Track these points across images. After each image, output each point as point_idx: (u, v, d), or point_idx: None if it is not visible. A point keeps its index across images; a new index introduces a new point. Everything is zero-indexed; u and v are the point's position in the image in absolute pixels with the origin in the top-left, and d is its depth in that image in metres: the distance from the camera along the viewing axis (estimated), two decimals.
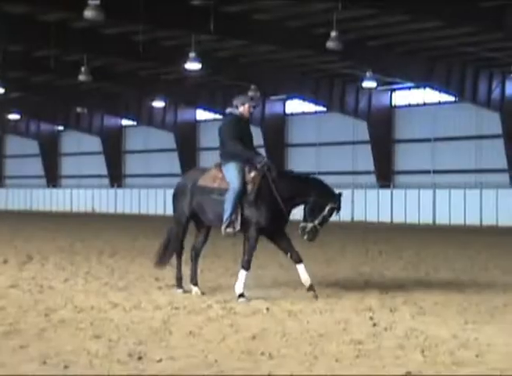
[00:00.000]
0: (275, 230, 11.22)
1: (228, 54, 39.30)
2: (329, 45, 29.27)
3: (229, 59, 40.05)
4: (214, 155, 51.20)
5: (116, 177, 59.80)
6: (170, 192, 49.40)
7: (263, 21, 32.16)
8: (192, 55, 33.25)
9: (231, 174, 11.11)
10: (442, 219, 40.15)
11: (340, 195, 11.19)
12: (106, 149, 60.16)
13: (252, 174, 11.07)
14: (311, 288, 11.06)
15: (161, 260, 12.06)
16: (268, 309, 9.94)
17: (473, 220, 39.07)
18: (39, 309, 9.82)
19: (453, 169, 43.56)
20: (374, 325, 8.83)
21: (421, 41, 35.24)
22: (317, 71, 43.46)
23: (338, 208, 11.11)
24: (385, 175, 45.47)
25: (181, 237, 11.83)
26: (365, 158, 46.60)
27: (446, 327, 8.79)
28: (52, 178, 65.15)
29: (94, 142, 61.39)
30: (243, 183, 11.01)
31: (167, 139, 56.48)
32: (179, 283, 11.71)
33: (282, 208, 10.97)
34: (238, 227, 11.05)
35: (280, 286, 12.39)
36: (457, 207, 39.90)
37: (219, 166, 11.38)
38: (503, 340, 8.04)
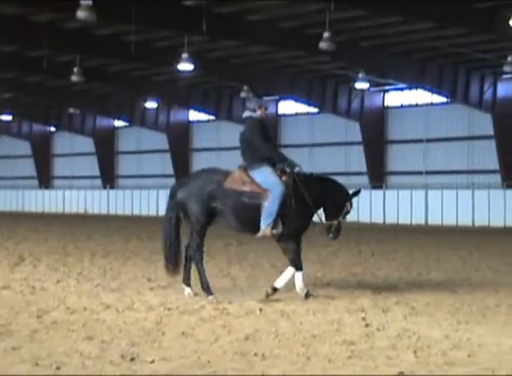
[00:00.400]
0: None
1: (221, 55, 39.30)
2: (322, 45, 29.29)
3: (222, 60, 40.05)
4: (206, 156, 50.89)
5: (108, 178, 59.73)
6: (162, 193, 49.58)
7: (256, 22, 32.18)
8: (184, 55, 33.24)
9: (270, 177, 11.17)
10: (434, 220, 40.22)
11: (356, 192, 11.61)
12: (98, 150, 60.09)
13: (284, 178, 11.25)
14: (308, 295, 11.15)
15: (176, 264, 11.66)
16: (261, 309, 9.94)
17: (465, 221, 39.15)
18: (31, 310, 9.80)
19: (445, 170, 43.64)
20: (367, 325, 8.85)
21: (413, 42, 35.30)
22: (310, 72, 43.49)
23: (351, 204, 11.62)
24: (378, 175, 45.54)
25: (201, 240, 11.54)
26: (357, 159, 46.67)
27: (438, 327, 8.81)
28: (45, 179, 65.05)
29: (86, 143, 61.31)
30: (287, 187, 11.17)
31: (160, 140, 56.46)
32: (209, 289, 11.31)
33: (312, 210, 11.27)
34: (280, 228, 11.17)
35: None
36: (449, 207, 39.98)
37: (244, 169, 11.35)
38: (495, 340, 8.06)
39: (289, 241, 11.23)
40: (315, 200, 11.22)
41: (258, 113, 11.49)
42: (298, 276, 11.09)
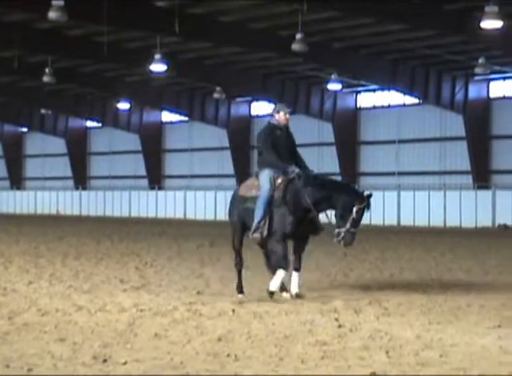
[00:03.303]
0: (303, 235, 11.43)
1: (194, 56, 39.25)
2: (295, 47, 29.35)
3: (195, 61, 39.99)
4: (179, 157, 50.62)
5: (80, 179, 59.45)
6: (135, 194, 49.37)
7: (228, 23, 32.16)
8: (157, 56, 33.15)
9: (263, 180, 11.33)
10: (407, 221, 40.40)
11: (369, 196, 11.29)
12: (70, 151, 59.78)
13: (279, 180, 11.32)
14: (298, 296, 11.17)
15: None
16: (233, 310, 9.95)
17: (437, 221, 39.35)
18: (3, 312, 9.74)
19: (417, 171, 43.85)
20: (339, 326, 8.87)
21: (385, 43, 35.44)
22: (282, 73, 43.54)
23: (367, 207, 11.21)
24: (350, 176, 45.65)
25: (237, 246, 11.75)
26: (330, 160, 46.76)
27: (410, 327, 8.85)
28: (16, 180, 64.63)
29: (58, 144, 60.98)
30: (273, 190, 11.24)
31: (133, 141, 56.26)
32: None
33: (311, 214, 11.19)
34: (265, 233, 11.19)
35: (246, 288, 12.38)
36: (421, 208, 40.16)
37: (256, 174, 11.57)
38: (467, 340, 8.11)
39: (274, 244, 11.21)
40: (315, 205, 11.13)
41: (275, 117, 11.64)
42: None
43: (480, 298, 11.35)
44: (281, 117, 11.57)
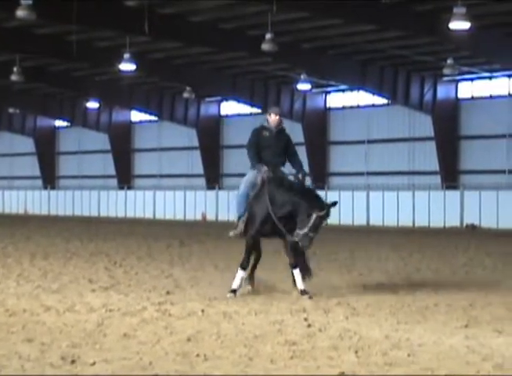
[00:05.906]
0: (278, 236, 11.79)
1: (163, 55, 39.16)
2: (264, 47, 29.40)
3: (164, 61, 39.91)
4: (148, 156, 50.33)
5: (49, 178, 59.10)
6: (104, 194, 49.10)
7: (198, 23, 32.13)
8: (126, 56, 33.05)
9: (244, 179, 11.90)
10: (376, 221, 40.57)
11: (331, 205, 11.44)
12: (39, 150, 59.44)
13: (258, 180, 11.73)
14: (303, 293, 11.46)
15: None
16: (203, 310, 9.94)
17: (406, 221, 39.55)
18: None
19: (386, 171, 44.05)
20: (309, 326, 8.90)
21: (354, 44, 35.55)
22: (252, 73, 43.56)
23: (327, 215, 11.35)
24: (320, 176, 45.77)
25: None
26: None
27: (379, 327, 8.89)
28: None
29: (27, 143, 60.60)
30: (250, 189, 11.70)
31: (102, 141, 56.02)
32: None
33: (273, 219, 11.39)
34: (240, 230, 11.68)
35: (215, 287, 12.39)
36: (390, 208, 40.35)
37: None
38: (434, 339, 8.17)
39: (246, 242, 11.68)
40: (275, 207, 11.37)
41: (267, 119, 12.22)
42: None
43: (448, 298, 11.43)
44: (271, 118, 12.15)
